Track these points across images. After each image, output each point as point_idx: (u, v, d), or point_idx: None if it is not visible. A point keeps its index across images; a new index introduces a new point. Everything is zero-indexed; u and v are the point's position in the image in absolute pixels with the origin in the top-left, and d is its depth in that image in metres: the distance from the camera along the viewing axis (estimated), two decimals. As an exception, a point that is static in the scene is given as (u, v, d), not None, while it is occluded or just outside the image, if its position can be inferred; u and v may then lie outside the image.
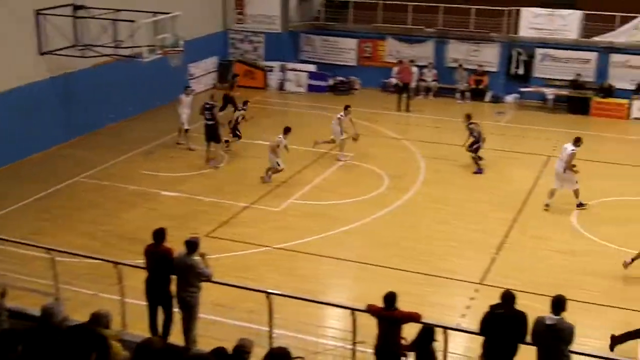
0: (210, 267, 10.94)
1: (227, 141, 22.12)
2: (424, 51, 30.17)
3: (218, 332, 10.56)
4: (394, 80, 29.66)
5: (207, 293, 11.18)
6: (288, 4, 31.33)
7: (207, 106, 21.02)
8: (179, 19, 22.02)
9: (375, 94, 30.04)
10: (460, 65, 29.33)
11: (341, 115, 21.67)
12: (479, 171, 20.90)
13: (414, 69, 28.70)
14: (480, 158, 21.00)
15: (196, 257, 10.82)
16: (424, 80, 29.58)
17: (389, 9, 30.27)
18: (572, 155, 17.80)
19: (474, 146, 20.96)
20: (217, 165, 20.87)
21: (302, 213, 17.91)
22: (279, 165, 19.53)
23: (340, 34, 31.34)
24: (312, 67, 30.91)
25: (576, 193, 18.12)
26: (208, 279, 10.88)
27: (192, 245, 10.86)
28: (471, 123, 21.16)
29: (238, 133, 22.19)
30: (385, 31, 30.56)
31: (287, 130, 19.72)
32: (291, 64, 31.00)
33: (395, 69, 29.58)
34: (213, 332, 10.80)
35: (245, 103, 22.63)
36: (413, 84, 28.58)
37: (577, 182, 18.02)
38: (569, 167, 17.84)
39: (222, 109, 24.34)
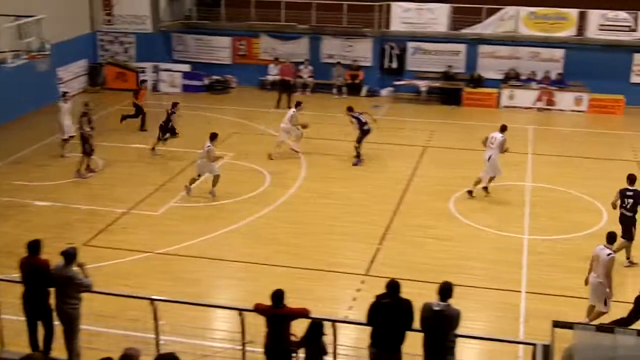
0: (90, 277, 10.53)
1: (153, 148, 21.68)
2: (299, 48, 30.29)
3: (103, 343, 10.25)
4: (270, 78, 29.76)
5: (88, 304, 10.74)
6: (158, 3, 30.70)
7: (84, 114, 20.08)
8: (44, 22, 21.12)
9: (252, 91, 29.93)
10: (339, 63, 29.65)
11: (294, 112, 21.75)
12: (358, 162, 21.18)
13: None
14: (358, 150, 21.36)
15: (74, 268, 10.40)
16: (300, 77, 29.69)
17: (261, 6, 30.15)
18: (504, 142, 18.41)
19: (360, 135, 21.34)
20: (85, 176, 19.94)
21: (183, 216, 17.56)
22: (215, 171, 18.51)
23: (213, 32, 30.98)
24: (186, 67, 30.44)
25: (491, 179, 18.71)
26: (88, 289, 10.47)
27: (69, 255, 10.41)
28: (354, 114, 21.53)
29: (170, 132, 21.71)
30: (259, 28, 30.45)
31: (213, 137, 18.55)
32: (164, 65, 30.42)
33: (272, 66, 29.70)
34: (97, 343, 10.46)
35: (174, 105, 22.00)
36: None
37: (500, 171, 18.67)
38: (503, 151, 18.45)
39: (135, 116, 23.99)
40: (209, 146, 18.26)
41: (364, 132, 21.33)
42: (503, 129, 18.76)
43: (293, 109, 22.10)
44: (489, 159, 18.50)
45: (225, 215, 17.46)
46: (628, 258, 15.24)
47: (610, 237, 12.49)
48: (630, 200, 15.16)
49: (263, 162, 20.94)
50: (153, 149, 21.75)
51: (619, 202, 15.38)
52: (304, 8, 29.63)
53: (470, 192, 18.71)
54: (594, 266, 12.48)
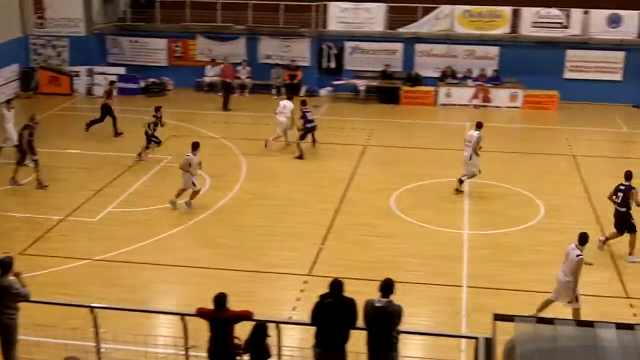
0: (27, 286, 10.30)
1: (139, 154, 21.16)
2: (236, 48, 30.13)
3: (42, 354, 10.12)
4: (207, 79, 29.56)
5: (26, 314, 10.47)
6: (91, 5, 30.15)
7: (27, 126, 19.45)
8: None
9: (189, 93, 29.67)
10: (278, 64, 29.58)
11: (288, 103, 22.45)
12: (300, 157, 21.45)
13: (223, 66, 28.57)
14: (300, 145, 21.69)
15: (11, 278, 10.18)
16: (238, 78, 29.53)
17: (197, 7, 29.87)
18: (479, 139, 18.56)
19: (302, 132, 21.62)
20: (19, 184, 19.38)
21: (122, 221, 17.23)
22: (194, 185, 17.64)
23: (148, 34, 30.60)
24: (121, 70, 29.94)
25: (470, 177, 18.86)
26: (26, 298, 10.24)
27: (4, 265, 10.18)
28: (306, 109, 21.88)
29: (155, 140, 21.22)
30: (194, 29, 30.18)
31: (195, 146, 17.74)
32: (99, 68, 29.88)
33: (209, 67, 29.51)
34: (37, 354, 10.29)
35: (157, 109, 21.54)
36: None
37: (479, 171, 18.80)
38: (475, 149, 18.58)
39: (101, 120, 23.46)
40: (188, 155, 17.57)
41: (307, 129, 21.40)
42: (478, 125, 18.97)
43: (288, 101, 22.67)
44: (470, 157, 18.69)
45: (165, 220, 17.21)
46: (630, 253, 15.33)
47: (582, 238, 12.34)
48: (621, 194, 15.43)
49: (203, 164, 20.67)
50: (140, 154, 21.16)
51: (614, 196, 15.61)
52: (240, 8, 29.48)
53: (459, 188, 18.88)
54: (563, 265, 12.44)
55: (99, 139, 23.26)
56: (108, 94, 24.15)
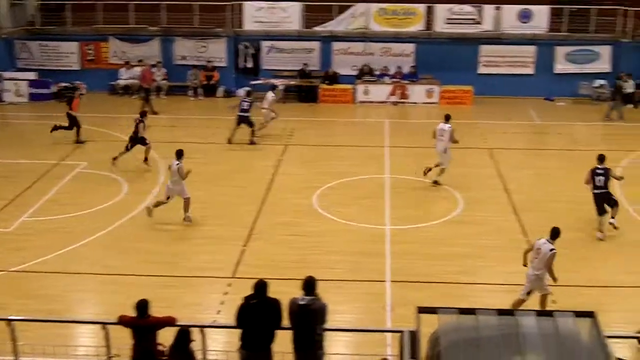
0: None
1: (115, 158, 20.59)
2: (150, 50, 29.69)
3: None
4: (122, 82, 29.03)
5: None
6: (-2, 9, 29.19)
7: None
8: None
9: (103, 97, 29.05)
10: (195, 67, 29.23)
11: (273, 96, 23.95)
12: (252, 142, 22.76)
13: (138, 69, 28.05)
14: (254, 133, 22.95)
15: None
16: (154, 80, 29.06)
17: (109, 9, 29.27)
18: (453, 131, 18.84)
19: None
20: None
21: (38, 230, 16.67)
22: (185, 193, 16.82)
23: (59, 37, 29.89)
24: (32, 75, 29.07)
25: (442, 171, 19.15)
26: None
27: None
28: (245, 99, 22.93)
29: (147, 142, 20.66)
30: (107, 32, 29.54)
31: (180, 154, 16.98)
32: (8, 73, 28.99)
33: (123, 70, 28.99)
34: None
35: (143, 114, 20.90)
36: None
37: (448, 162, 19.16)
38: (453, 142, 18.88)
39: (69, 127, 22.84)
40: (178, 164, 16.70)
41: (238, 117, 22.61)
42: (447, 118, 19.21)
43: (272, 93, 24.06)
44: (445, 150, 18.97)
45: (83, 227, 16.72)
46: (612, 217, 16.25)
47: (554, 233, 12.43)
48: (602, 178, 16.13)
49: (119, 170, 20.26)
50: (116, 158, 20.54)
51: (591, 181, 16.27)
52: (153, 10, 29.04)
53: (435, 182, 19.16)
54: (534, 260, 12.41)
55: (9, 145, 22.52)
56: (69, 101, 23.38)
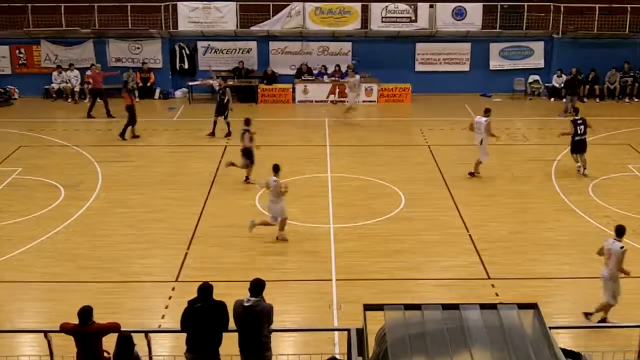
0: None
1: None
2: (84, 52, 29.09)
3: None
4: (55, 86, 28.46)
5: None
6: None
7: None
8: None
9: (37, 101, 28.42)
10: (129, 68, 28.82)
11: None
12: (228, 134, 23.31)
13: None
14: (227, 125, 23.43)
15: None
16: (88, 83, 28.53)
17: (39, 11, 28.52)
18: (489, 124, 19.33)
19: (225, 111, 23.23)
20: None
21: (-30, 239, 16.20)
22: (284, 212, 15.84)
23: (-12, 41, 28.99)
24: (-40, 80, 28.25)
25: (478, 164, 19.71)
26: None
27: None
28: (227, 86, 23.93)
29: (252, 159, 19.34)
30: (38, 35, 28.81)
31: (277, 169, 15.98)
32: None
33: (56, 74, 28.40)
34: None
35: (247, 122, 19.55)
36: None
37: (486, 156, 19.66)
38: (490, 134, 19.32)
39: (130, 122, 23.10)
40: (275, 180, 15.76)
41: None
42: (486, 111, 19.58)
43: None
44: (481, 142, 19.29)
45: (19, 235, 16.29)
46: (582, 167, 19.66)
47: (620, 231, 12.40)
48: (582, 127, 19.38)
49: (56, 176, 19.82)
50: (247, 178, 19.43)
51: (573, 131, 19.36)
52: (85, 11, 28.45)
53: (472, 174, 19.70)
54: (607, 262, 12.35)
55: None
56: (127, 93, 23.99)
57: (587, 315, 12.61)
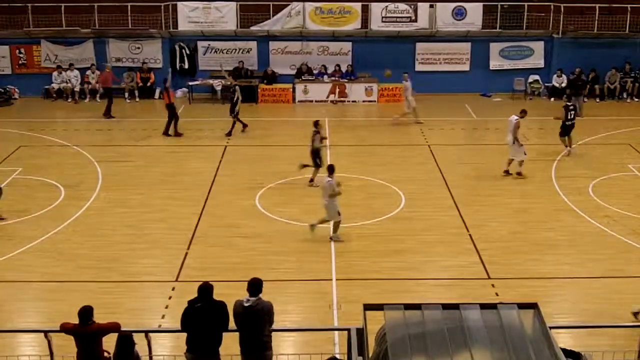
0: None
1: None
2: (84, 52, 29.08)
3: None
4: (55, 86, 28.45)
5: None
6: None
7: None
8: None
9: (37, 101, 28.41)
10: (130, 68, 28.82)
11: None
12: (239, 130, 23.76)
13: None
14: (239, 121, 23.69)
15: None
16: (88, 83, 28.56)
17: (39, 11, 28.51)
18: (518, 124, 19.41)
19: (235, 109, 23.45)
20: None
21: (-28, 239, 16.21)
22: (339, 214, 15.84)
23: (-12, 41, 28.99)
24: (-40, 81, 28.26)
25: (518, 161, 19.72)
26: None
27: None
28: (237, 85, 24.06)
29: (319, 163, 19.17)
30: (38, 35, 28.80)
31: (331, 170, 15.91)
32: None
33: (56, 74, 28.39)
34: None
35: (316, 124, 19.35)
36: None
37: (525, 154, 19.70)
38: (515, 135, 19.30)
39: (174, 118, 23.33)
40: (329, 181, 15.68)
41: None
42: (522, 112, 19.88)
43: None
44: (513, 142, 19.49)
45: (20, 235, 16.30)
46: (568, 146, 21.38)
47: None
48: (573, 112, 21.19)
49: (56, 176, 19.82)
50: (312, 180, 19.17)
51: (564, 116, 21.02)
52: (85, 11, 28.44)
53: (519, 174, 19.73)
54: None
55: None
56: (166, 91, 24.05)
57: (636, 314, 12.48)
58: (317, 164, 19.03)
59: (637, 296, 13.15)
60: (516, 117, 19.54)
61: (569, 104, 21.36)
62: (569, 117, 21.08)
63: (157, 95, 28.97)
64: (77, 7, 28.38)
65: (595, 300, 12.72)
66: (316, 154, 19.08)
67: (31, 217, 17.23)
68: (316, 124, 19.28)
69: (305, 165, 19.14)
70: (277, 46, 29.59)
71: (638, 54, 29.50)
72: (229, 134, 23.43)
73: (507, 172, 19.86)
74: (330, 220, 15.94)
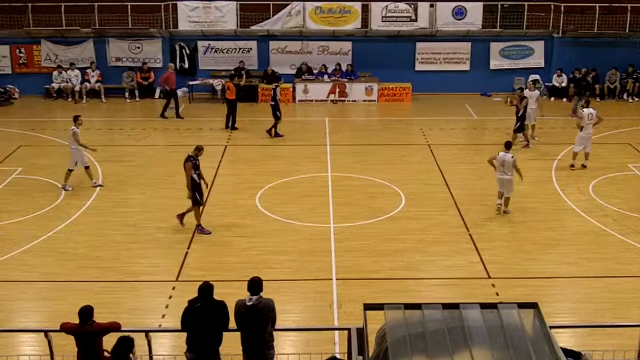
0: None
1: None
2: (84, 52, 29.09)
3: None
4: (55, 86, 28.46)
5: None
6: None
7: None
8: None
9: (37, 101, 28.41)
10: (130, 68, 28.80)
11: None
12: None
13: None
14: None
15: None
16: (88, 82, 28.56)
17: (39, 10, 28.52)
18: (597, 117, 20.44)
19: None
20: None
21: (-28, 238, 16.20)
22: (512, 189, 17.09)
23: (-12, 41, 28.99)
24: (-38, 80, 28.26)
25: (586, 155, 20.43)
26: None
27: None
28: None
29: None
30: (38, 34, 28.81)
31: (509, 145, 16.98)
32: None
33: (56, 73, 28.40)
34: None
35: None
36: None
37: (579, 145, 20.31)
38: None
39: (277, 118, 23.42)
40: (511, 157, 16.67)
41: (271, 106, 23.44)
42: (587, 102, 21.06)
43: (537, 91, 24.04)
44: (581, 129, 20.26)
45: (19, 234, 16.29)
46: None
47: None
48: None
49: (56, 176, 19.81)
50: None
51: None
52: (85, 11, 28.44)
53: (574, 165, 20.22)
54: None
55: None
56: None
57: None
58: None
59: (638, 296, 13.17)
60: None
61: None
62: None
63: (157, 95, 28.96)
64: (77, 7, 28.38)
65: (595, 300, 12.72)
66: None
67: (31, 217, 17.23)
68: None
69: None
70: (277, 45, 29.60)
71: (638, 54, 29.50)
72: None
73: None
74: (509, 194, 16.99)
